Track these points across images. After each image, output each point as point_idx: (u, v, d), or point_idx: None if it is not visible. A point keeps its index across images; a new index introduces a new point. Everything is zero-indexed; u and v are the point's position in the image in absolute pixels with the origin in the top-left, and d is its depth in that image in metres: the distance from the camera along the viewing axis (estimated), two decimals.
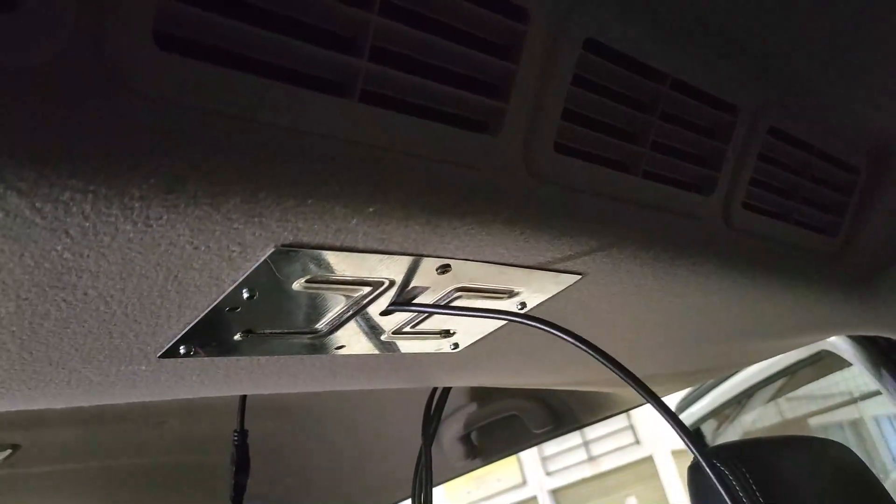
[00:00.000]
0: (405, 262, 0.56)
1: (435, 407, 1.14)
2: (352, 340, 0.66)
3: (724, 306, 0.89)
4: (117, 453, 1.26)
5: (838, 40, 0.73)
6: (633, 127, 0.64)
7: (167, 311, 0.51)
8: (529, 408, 1.50)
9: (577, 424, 1.57)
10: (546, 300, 0.70)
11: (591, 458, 10.91)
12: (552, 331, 0.59)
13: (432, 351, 0.75)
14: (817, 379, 2.25)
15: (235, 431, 1.00)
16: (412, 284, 0.60)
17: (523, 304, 0.70)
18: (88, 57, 0.34)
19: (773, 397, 2.37)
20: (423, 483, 1.15)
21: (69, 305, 0.46)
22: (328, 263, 0.52)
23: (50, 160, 0.34)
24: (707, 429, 2.41)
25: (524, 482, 11.09)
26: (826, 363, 1.89)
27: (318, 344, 0.64)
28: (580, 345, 0.58)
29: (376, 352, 0.70)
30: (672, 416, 0.58)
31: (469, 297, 0.65)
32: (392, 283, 0.58)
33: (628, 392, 1.41)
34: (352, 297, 0.59)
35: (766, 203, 0.82)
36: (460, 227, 0.54)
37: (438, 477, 1.35)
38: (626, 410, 1.58)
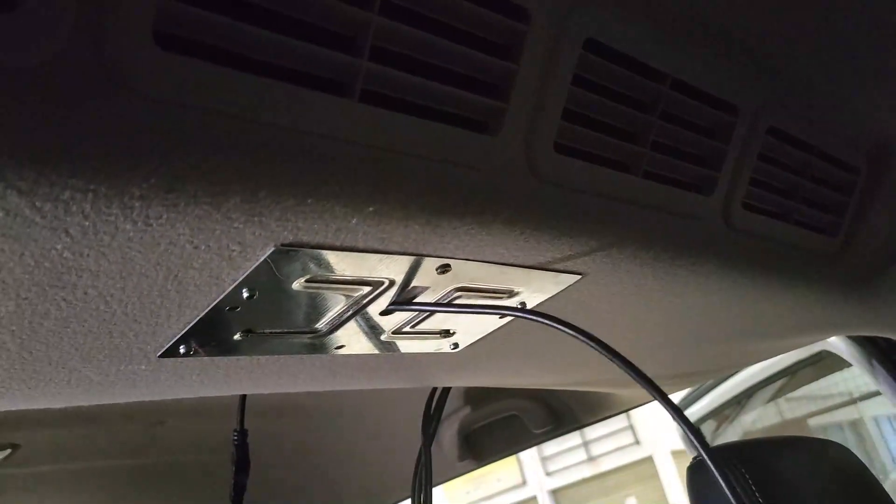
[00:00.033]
0: (405, 261, 0.56)
1: (435, 407, 1.14)
2: (352, 340, 0.66)
3: (724, 306, 0.89)
4: (117, 453, 1.26)
5: (838, 40, 0.73)
6: (633, 127, 0.64)
7: (167, 310, 0.51)
8: (529, 408, 1.50)
9: (577, 424, 1.57)
10: (546, 300, 0.70)
11: (591, 459, 10.91)
12: (560, 326, 0.58)
13: (432, 351, 0.75)
14: (817, 379, 2.25)
15: (235, 431, 1.00)
16: (412, 284, 0.60)
17: (523, 304, 0.70)
18: (88, 57, 0.34)
19: (773, 397, 2.37)
20: (423, 483, 1.15)
21: (69, 305, 0.46)
22: (328, 263, 0.52)
23: (50, 160, 0.34)
24: (707, 429, 2.41)
25: (524, 482, 11.08)
26: (826, 363, 1.89)
27: (318, 344, 0.64)
28: (587, 340, 0.57)
29: (376, 351, 0.70)
30: (679, 413, 0.58)
31: (469, 297, 0.65)
32: (392, 282, 0.58)
33: (628, 392, 1.41)
34: (352, 296, 0.59)
35: (766, 203, 0.82)
36: (460, 227, 0.54)
37: (438, 477, 1.35)
38: (626, 410, 1.58)
